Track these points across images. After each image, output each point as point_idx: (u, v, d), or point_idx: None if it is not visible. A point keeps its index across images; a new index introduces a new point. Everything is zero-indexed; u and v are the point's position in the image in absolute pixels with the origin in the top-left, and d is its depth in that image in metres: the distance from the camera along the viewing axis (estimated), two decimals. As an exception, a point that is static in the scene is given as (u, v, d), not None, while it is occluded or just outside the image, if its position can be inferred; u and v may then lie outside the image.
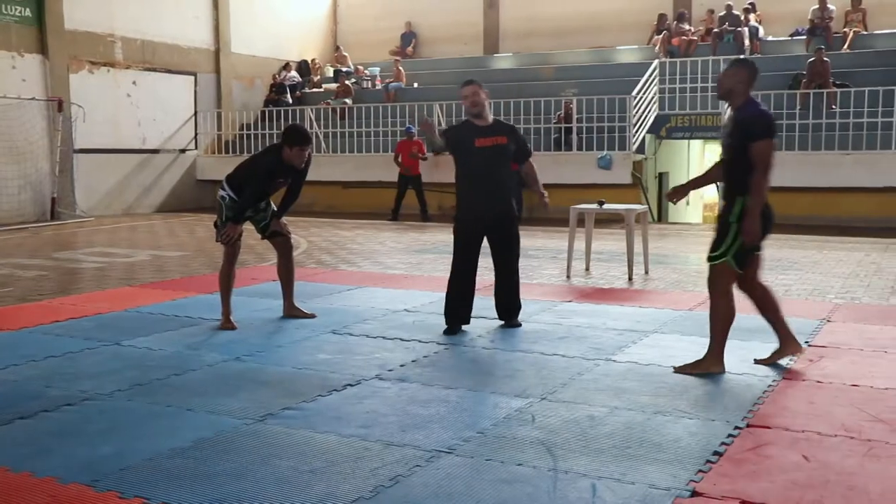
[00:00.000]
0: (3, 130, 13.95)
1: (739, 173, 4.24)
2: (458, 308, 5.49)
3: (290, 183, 5.75)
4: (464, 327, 5.52)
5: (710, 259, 4.38)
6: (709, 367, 4.42)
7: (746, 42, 16.02)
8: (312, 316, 5.94)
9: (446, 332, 5.41)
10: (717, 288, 4.39)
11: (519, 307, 5.69)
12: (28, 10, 14.58)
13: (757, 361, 4.61)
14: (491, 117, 5.57)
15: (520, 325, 5.64)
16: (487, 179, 5.41)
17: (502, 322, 5.68)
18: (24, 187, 14.47)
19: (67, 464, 3.19)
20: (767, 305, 4.58)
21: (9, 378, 4.43)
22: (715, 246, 4.35)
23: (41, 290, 7.29)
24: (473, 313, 5.59)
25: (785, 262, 8.72)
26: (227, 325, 5.62)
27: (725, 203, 4.36)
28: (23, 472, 3.10)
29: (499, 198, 5.43)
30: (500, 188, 5.43)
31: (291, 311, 5.97)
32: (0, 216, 13.84)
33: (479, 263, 5.57)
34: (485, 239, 5.52)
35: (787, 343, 4.57)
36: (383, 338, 5.31)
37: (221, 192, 5.65)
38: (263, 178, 5.54)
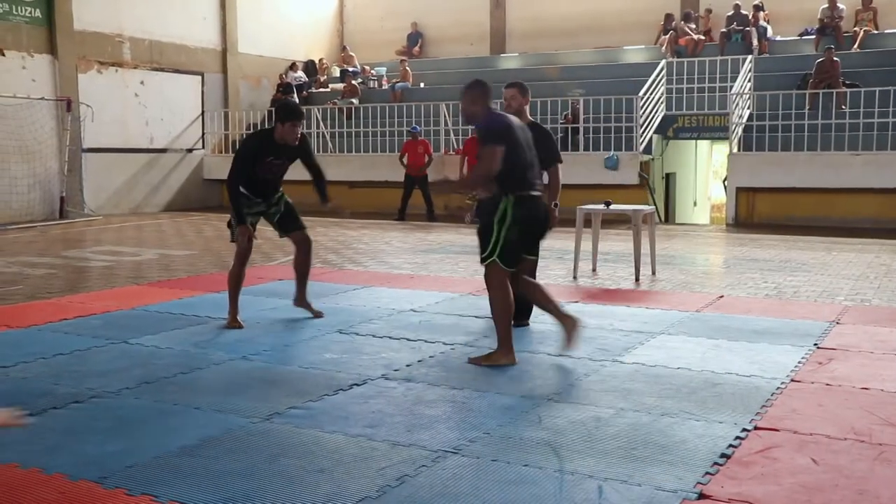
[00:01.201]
0: (13, 130, 14.02)
1: (499, 178, 4.46)
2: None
3: (304, 163, 5.74)
4: (468, 327, 5.52)
5: (482, 260, 4.63)
6: (499, 359, 4.61)
7: (755, 42, 15.96)
8: (320, 315, 5.94)
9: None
10: (491, 284, 4.60)
11: (531, 308, 5.69)
12: (38, 10, 14.65)
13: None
14: (528, 119, 5.62)
15: (528, 324, 5.65)
16: None
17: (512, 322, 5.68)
18: (34, 186, 14.54)
19: (76, 461, 3.20)
20: (540, 298, 4.80)
21: (18, 375, 4.45)
22: (483, 248, 4.62)
23: (50, 288, 7.32)
24: (477, 314, 5.60)
25: (794, 264, 8.68)
26: (234, 324, 5.63)
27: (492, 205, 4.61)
28: (32, 469, 3.12)
29: None
30: None
31: (302, 303, 5.97)
32: (10, 215, 13.91)
33: None
34: None
35: (567, 322, 4.66)
36: (389, 338, 5.31)
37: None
38: (248, 159, 5.50)
